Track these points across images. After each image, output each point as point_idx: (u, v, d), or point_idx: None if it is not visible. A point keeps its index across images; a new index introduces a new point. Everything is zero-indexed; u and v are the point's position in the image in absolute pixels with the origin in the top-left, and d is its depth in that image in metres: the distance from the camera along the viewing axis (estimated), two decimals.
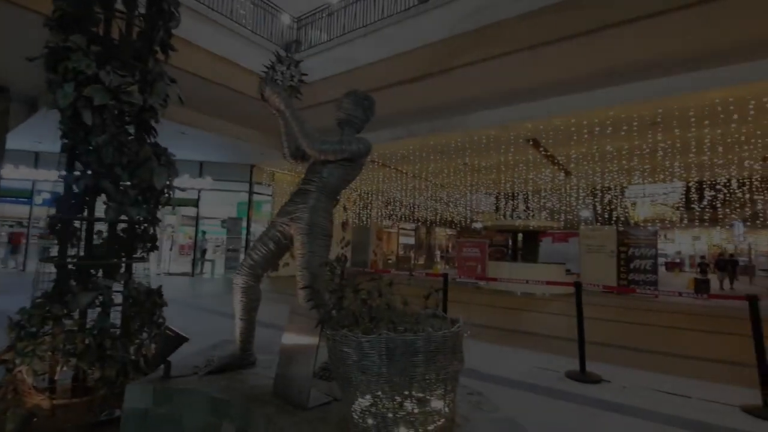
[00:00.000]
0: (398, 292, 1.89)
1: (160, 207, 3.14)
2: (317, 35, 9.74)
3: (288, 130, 2.66)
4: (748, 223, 19.11)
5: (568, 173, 12.54)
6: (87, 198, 2.91)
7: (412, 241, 26.32)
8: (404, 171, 13.79)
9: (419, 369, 1.48)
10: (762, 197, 13.44)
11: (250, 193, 14.68)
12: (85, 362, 2.59)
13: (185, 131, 10.14)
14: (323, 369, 2.43)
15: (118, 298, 2.84)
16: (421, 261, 26.22)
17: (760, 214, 16.75)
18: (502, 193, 17.28)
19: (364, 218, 18.58)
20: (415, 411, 1.53)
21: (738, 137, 8.60)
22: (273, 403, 2.04)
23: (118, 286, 2.86)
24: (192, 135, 10.52)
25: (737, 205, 15.62)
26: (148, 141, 3.09)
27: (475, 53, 7.00)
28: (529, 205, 16.42)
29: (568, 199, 15.48)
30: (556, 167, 11.83)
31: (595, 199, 16.08)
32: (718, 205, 15.26)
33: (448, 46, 7.19)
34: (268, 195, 15.29)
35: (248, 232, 14.50)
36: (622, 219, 16.98)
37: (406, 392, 1.50)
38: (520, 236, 14.48)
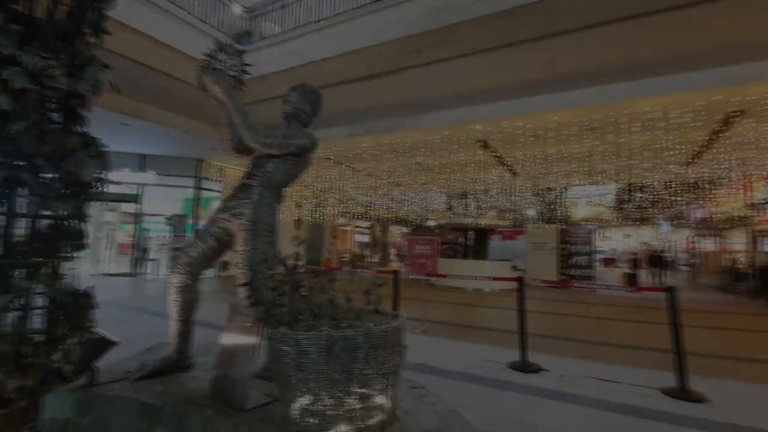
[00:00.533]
0: (345, 289, 1.88)
1: (89, 202, 2.91)
2: (270, 27, 9.47)
3: (230, 122, 2.56)
4: (673, 223, 21.09)
5: (515, 174, 13.12)
6: (5, 191, 2.63)
7: (367, 239, 26.39)
8: (359, 169, 13.77)
9: (359, 364, 1.49)
10: (684, 199, 14.87)
11: (198, 188, 14.01)
12: (2, 371, 2.35)
13: (127, 122, 9.46)
14: (266, 369, 2.37)
15: (47, 301, 2.60)
16: (376, 259, 26.35)
17: (682, 215, 18.52)
18: (454, 193, 17.76)
19: (318, 216, 18.35)
20: (356, 407, 1.53)
21: (664, 143, 9.41)
22: (211, 406, 1.96)
23: (45, 288, 2.61)
24: (135, 126, 9.83)
25: (663, 206, 17.16)
26: (76, 130, 2.85)
27: (430, 54, 7.13)
28: (479, 204, 17.02)
29: (515, 199, 16.22)
30: (504, 168, 12.33)
31: (540, 199, 16.98)
32: (646, 206, 16.67)
33: (403, 45, 7.26)
34: (217, 191, 14.67)
35: (195, 230, 13.83)
36: (564, 218, 18.08)
37: (347, 388, 1.50)
38: (471, 234, 14.97)
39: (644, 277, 16.40)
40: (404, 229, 30.44)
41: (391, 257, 28.63)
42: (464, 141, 9.88)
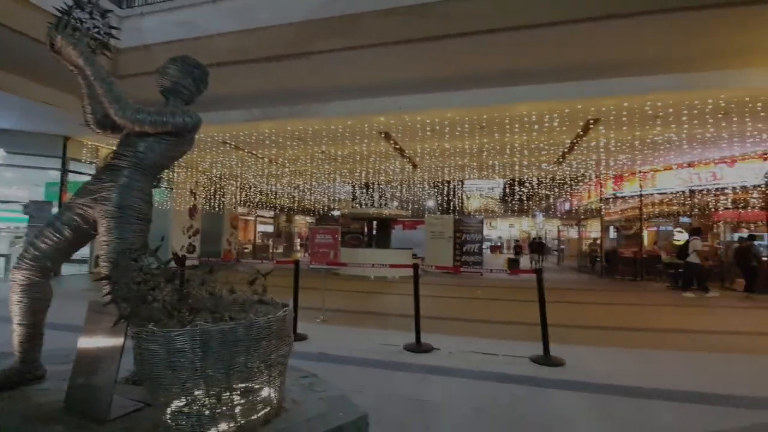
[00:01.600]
0: (232, 280, 1.77)
1: None
2: None
3: (90, 92, 2.20)
4: (546, 214, 24.34)
5: (415, 166, 13.77)
6: None
7: (271, 229, 25.35)
8: (261, 156, 13.10)
9: (241, 358, 1.41)
10: (553, 194, 17.24)
11: (64, 171, 11.88)
12: None
13: None
14: (135, 372, 2.12)
15: None
16: (281, 249, 25.50)
17: (552, 207, 21.49)
18: (358, 183, 17.98)
19: (217, 205, 17.03)
20: (238, 402, 1.45)
21: (538, 144, 10.73)
22: (64, 421, 1.69)
23: None
24: None
25: (538, 200, 19.67)
26: None
27: (333, 42, 7.04)
28: (382, 194, 17.50)
29: (415, 190, 17.05)
30: (405, 160, 12.85)
31: (438, 191, 18.12)
32: (525, 199, 18.94)
33: (306, 29, 7.04)
34: (90, 175, 12.61)
35: (48, 219, 11.72)
36: (459, 209, 19.62)
37: (227, 384, 1.41)
38: (374, 224, 15.35)
39: (526, 261, 18.65)
40: (309, 219, 29.97)
41: (297, 247, 27.99)
42: (367, 132, 10.02)
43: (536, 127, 9.09)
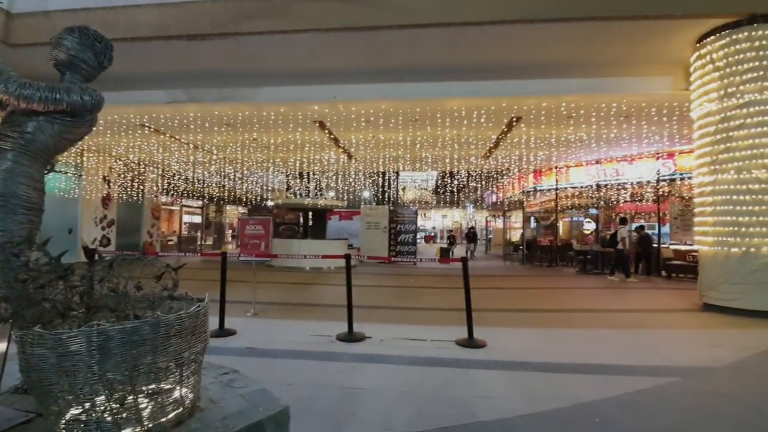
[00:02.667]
0: (139, 275, 1.63)
1: None
2: None
3: None
4: (476, 205, 25.69)
5: (350, 156, 13.73)
6: None
7: (199, 220, 23.78)
8: (184, 141, 12.19)
9: (147, 359, 1.32)
10: (482, 186, 18.23)
11: None
12: None
13: None
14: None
15: None
16: (210, 241, 24.08)
17: (481, 199, 22.73)
18: (293, 172, 17.52)
19: (135, 193, 15.59)
20: (144, 405, 1.36)
21: (468, 138, 11.25)
22: None
23: None
24: None
25: (468, 191, 20.69)
26: None
27: (264, 23, 6.73)
28: (318, 184, 17.24)
29: (351, 181, 17.03)
30: (340, 150, 12.75)
31: (374, 182, 18.28)
32: (457, 191, 19.81)
33: (234, 7, 6.67)
34: None
35: None
36: (394, 200, 19.99)
37: (131, 387, 1.31)
38: (310, 214, 15.10)
39: (460, 250, 19.51)
40: (242, 209, 28.62)
41: (228, 239, 26.60)
42: (301, 120, 9.77)
43: (465, 122, 9.51)
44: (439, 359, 4.04)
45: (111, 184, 14.97)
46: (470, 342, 4.50)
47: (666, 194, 12.57)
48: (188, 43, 7.11)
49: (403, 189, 23.01)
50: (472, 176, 16.94)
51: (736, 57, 6.13)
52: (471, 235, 18.42)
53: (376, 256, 14.49)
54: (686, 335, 5.15)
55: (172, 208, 20.94)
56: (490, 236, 24.48)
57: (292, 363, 3.91)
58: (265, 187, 21.44)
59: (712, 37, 6.38)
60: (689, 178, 9.99)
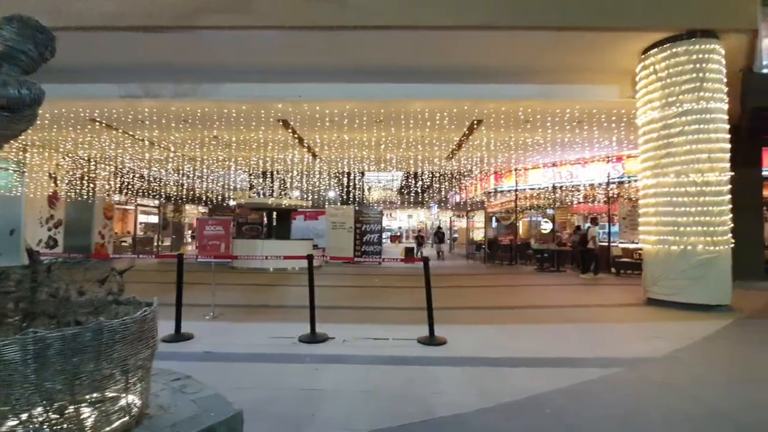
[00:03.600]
0: (84, 279, 1.56)
1: None
2: None
3: None
4: (440, 205, 26.15)
5: (315, 156, 13.60)
6: None
7: (156, 220, 22.68)
8: (139, 137, 11.61)
9: (89, 366, 1.27)
10: (446, 187, 18.58)
11: None
12: None
13: None
14: None
15: None
16: (168, 243, 23.03)
17: (445, 199, 23.18)
18: (256, 171, 17.14)
19: (86, 192, 14.65)
20: (86, 415, 1.31)
21: (432, 140, 11.45)
22: None
23: None
24: None
25: (432, 192, 21.03)
26: None
27: (225, 18, 6.55)
28: (282, 184, 16.95)
29: (316, 181, 16.87)
30: (305, 149, 12.61)
31: (339, 182, 18.19)
32: (421, 191, 20.08)
33: (193, 0, 6.43)
34: None
35: None
36: (359, 200, 19.98)
37: (72, 397, 1.26)
38: (274, 214, 14.80)
39: (428, 251, 19.73)
40: (202, 209, 27.59)
41: (188, 240, 25.55)
42: (264, 119, 9.58)
43: (429, 124, 9.68)
44: (401, 358, 4.10)
45: (58, 181, 14.01)
46: (431, 340, 4.60)
47: (615, 196, 13.35)
48: (144, 35, 6.80)
49: (369, 189, 23.04)
50: (436, 177, 17.26)
51: (676, 68, 6.62)
52: (440, 236, 18.60)
53: (339, 257, 14.44)
54: (631, 328, 5.51)
55: (127, 207, 19.89)
56: (455, 236, 25.02)
57: (251, 366, 3.84)
58: (227, 186, 20.78)
59: (655, 50, 6.86)
60: (635, 180, 10.65)
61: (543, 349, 4.38)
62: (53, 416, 1.25)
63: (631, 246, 11.77)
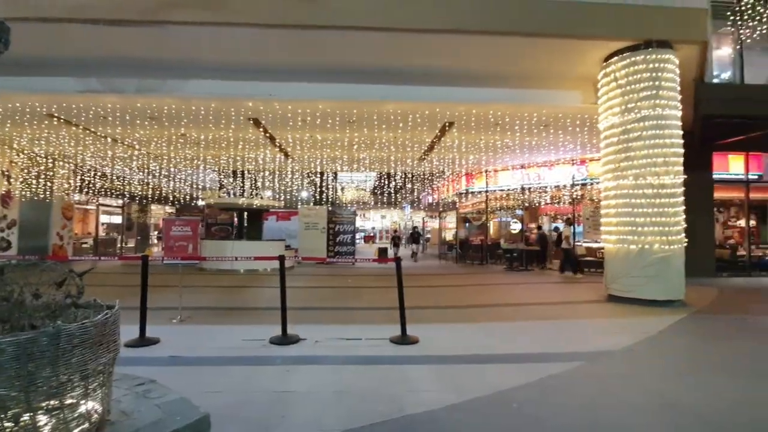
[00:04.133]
0: (40, 282, 1.49)
1: None
2: None
3: None
4: (413, 206, 26.35)
5: (287, 155, 13.43)
6: None
7: (120, 220, 21.71)
8: (101, 134, 11.10)
9: (46, 371, 1.22)
10: (419, 187, 18.75)
11: None
12: None
13: None
14: None
15: None
16: (132, 244, 22.09)
17: (418, 200, 23.40)
18: (226, 170, 16.74)
19: (41, 191, 13.85)
20: (43, 422, 1.26)
21: (404, 141, 11.54)
22: None
23: None
24: None
25: (405, 193, 21.19)
26: None
27: (196, 14, 6.39)
28: (253, 184, 16.64)
29: (288, 181, 16.65)
30: (276, 149, 12.42)
31: (311, 182, 18.02)
32: (394, 192, 20.19)
33: None
34: None
35: None
36: (332, 200, 19.86)
37: (26, 404, 1.21)
38: (245, 215, 14.51)
39: (404, 251, 19.76)
40: (169, 209, 26.65)
41: (154, 241, 24.61)
42: (234, 117, 9.38)
43: (401, 125, 9.75)
44: (373, 357, 4.12)
45: (12, 180, 13.19)
46: (403, 339, 4.64)
47: (580, 197, 13.88)
48: (108, 27, 6.53)
49: (342, 189, 22.96)
50: (409, 178, 17.40)
51: (635, 76, 6.98)
52: (415, 236, 18.67)
53: (312, 257, 14.32)
54: (592, 324, 5.76)
55: (88, 207, 18.95)
56: (428, 236, 25.30)
57: (220, 370, 3.77)
58: (195, 186, 20.16)
59: (616, 58, 7.20)
60: (598, 182, 11.12)
61: (510, 346, 4.51)
62: (7, 425, 1.20)
63: (594, 245, 12.28)
